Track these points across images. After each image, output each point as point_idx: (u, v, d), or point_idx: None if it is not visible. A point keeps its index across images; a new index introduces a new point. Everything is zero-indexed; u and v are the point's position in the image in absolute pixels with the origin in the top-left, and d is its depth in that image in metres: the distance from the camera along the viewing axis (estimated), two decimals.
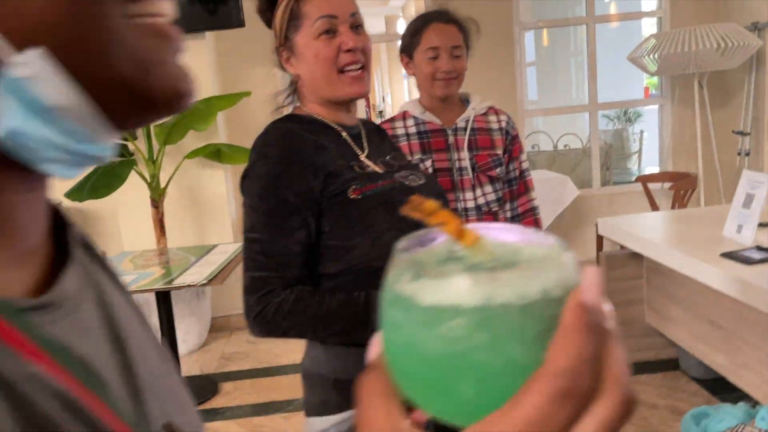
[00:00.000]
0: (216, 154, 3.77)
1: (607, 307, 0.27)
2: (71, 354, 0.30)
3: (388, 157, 1.29)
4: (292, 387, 3.19)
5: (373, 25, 12.64)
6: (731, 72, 4.25)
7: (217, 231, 3.99)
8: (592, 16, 4.57)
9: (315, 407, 1.21)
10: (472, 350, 0.26)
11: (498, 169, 1.77)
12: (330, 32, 1.17)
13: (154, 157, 3.59)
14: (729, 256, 2.12)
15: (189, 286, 2.61)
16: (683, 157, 4.49)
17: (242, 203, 1.20)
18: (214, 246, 3.29)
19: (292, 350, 3.69)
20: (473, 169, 1.75)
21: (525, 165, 1.86)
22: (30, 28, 0.27)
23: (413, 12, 11.82)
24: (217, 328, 4.07)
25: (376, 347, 0.31)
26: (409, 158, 1.72)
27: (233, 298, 4.10)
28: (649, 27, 8.07)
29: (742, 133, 4.19)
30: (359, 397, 0.30)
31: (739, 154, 4.22)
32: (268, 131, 1.20)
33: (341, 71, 1.18)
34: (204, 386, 3.29)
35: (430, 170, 1.73)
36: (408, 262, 0.29)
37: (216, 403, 3.14)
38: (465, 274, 0.26)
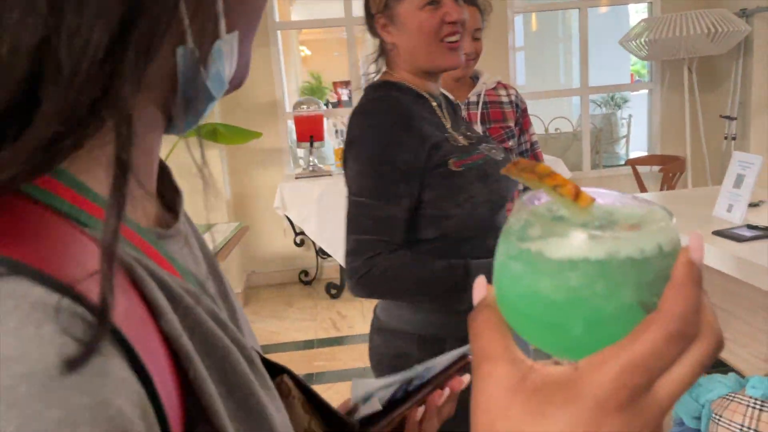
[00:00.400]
0: (212, 133, 3.78)
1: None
2: (191, 272, 0.37)
3: (466, 130, 1.31)
4: (290, 364, 3.24)
5: (356, 9, 12.54)
6: (720, 57, 4.33)
7: (214, 210, 4.01)
8: (584, 0, 4.62)
9: (389, 359, 1.27)
10: (593, 297, 0.30)
11: (511, 141, 1.80)
12: (434, 3, 1.17)
13: None
14: (721, 234, 2.20)
15: None
16: (672, 140, 4.58)
17: (348, 166, 1.21)
18: (212, 225, 3.31)
19: (288, 328, 3.74)
20: None
21: (534, 138, 1.91)
22: (237, 14, 0.33)
23: None
24: None
25: (482, 290, 0.35)
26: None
27: (230, 277, 4.13)
28: (635, 13, 8.13)
29: (729, 118, 4.28)
30: (475, 332, 0.33)
31: (725, 138, 4.32)
32: (374, 97, 1.23)
33: (440, 41, 1.19)
34: None
35: None
36: (525, 221, 0.32)
37: None
38: (587, 232, 0.30)
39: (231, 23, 0.33)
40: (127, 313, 0.27)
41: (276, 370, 0.46)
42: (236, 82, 0.38)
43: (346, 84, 5.88)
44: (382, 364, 1.29)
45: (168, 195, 0.42)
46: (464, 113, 1.80)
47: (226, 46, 0.33)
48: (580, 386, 0.29)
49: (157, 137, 0.37)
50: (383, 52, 1.28)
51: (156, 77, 0.32)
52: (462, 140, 1.24)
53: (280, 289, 4.44)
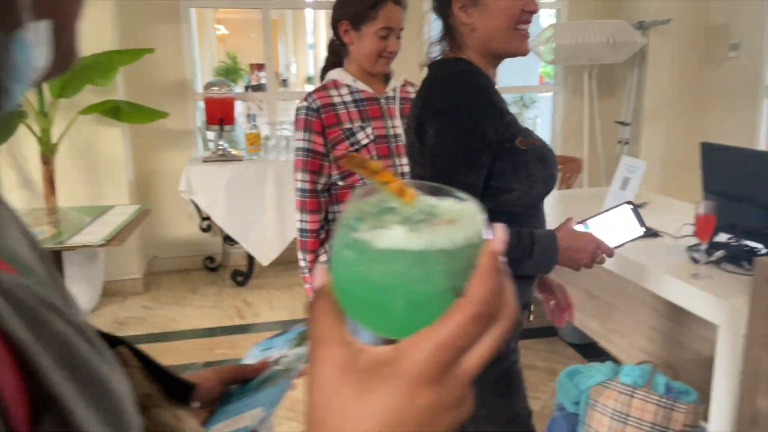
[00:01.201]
0: (114, 111, 3.60)
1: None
2: (17, 255, 0.36)
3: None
4: (190, 351, 3.17)
5: None
6: (618, 66, 4.61)
7: (113, 192, 3.83)
8: None
9: None
10: (412, 283, 0.34)
11: None
12: None
13: (45, 110, 3.38)
14: None
15: (85, 246, 2.51)
16: (571, 142, 4.83)
17: (431, 135, 1.26)
18: (111, 207, 3.17)
19: (190, 316, 3.65)
20: (406, 135, 1.83)
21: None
22: (45, 4, 0.33)
23: None
24: (110, 292, 3.93)
25: (320, 278, 0.37)
26: (350, 125, 1.77)
27: (128, 262, 3.98)
28: (548, 18, 8.46)
29: (623, 123, 4.57)
30: (312, 318, 0.36)
31: (619, 142, 4.61)
32: (457, 71, 1.28)
33: (515, 28, 1.26)
34: None
35: (372, 137, 1.78)
36: (357, 212, 0.36)
37: None
38: (408, 226, 0.35)
39: (41, 12, 0.33)
40: None
41: (113, 341, 0.46)
42: (59, 68, 0.38)
43: (260, 67, 5.74)
44: None
45: None
46: (384, 107, 1.83)
47: (32, 35, 0.33)
48: (399, 364, 0.33)
49: None
50: (449, 32, 1.33)
51: None
52: (516, 124, 1.31)
53: (184, 276, 4.32)
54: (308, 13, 14.22)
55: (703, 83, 4.60)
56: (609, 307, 2.66)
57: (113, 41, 3.69)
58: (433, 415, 0.33)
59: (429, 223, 0.35)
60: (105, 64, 3.36)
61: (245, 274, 4.14)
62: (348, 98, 1.79)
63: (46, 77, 0.37)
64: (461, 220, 0.35)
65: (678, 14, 4.35)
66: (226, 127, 4.00)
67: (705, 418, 1.87)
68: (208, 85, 4.04)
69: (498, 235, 0.34)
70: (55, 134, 3.46)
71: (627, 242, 1.40)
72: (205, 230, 4.26)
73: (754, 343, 1.64)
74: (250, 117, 4.08)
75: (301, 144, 1.79)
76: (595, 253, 1.29)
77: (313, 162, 1.78)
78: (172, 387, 0.48)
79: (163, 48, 4.02)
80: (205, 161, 3.94)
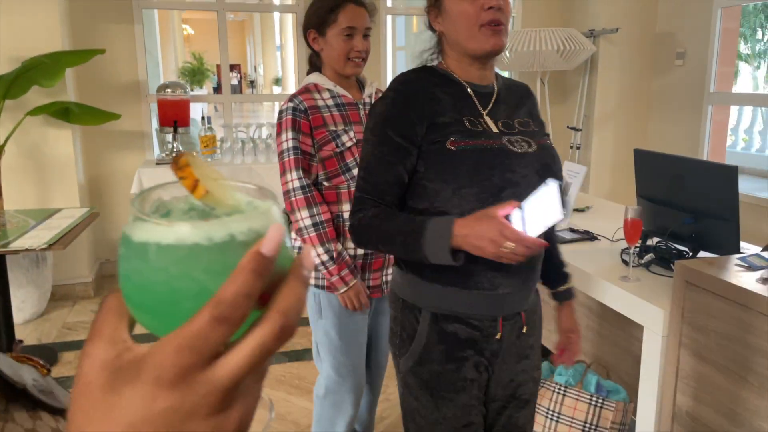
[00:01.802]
0: (64, 112, 3.55)
1: (307, 258, 0.34)
2: None
3: (515, 120, 1.38)
4: None
5: None
6: (569, 73, 4.71)
7: (63, 194, 3.77)
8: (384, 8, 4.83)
9: (390, 320, 1.45)
10: (168, 279, 0.32)
11: None
12: None
13: None
14: None
15: (27, 250, 2.48)
16: None
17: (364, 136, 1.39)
18: (58, 210, 3.12)
19: None
20: None
21: None
22: None
23: None
24: (59, 296, 3.87)
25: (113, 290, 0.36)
26: (335, 128, 1.79)
27: (78, 265, 3.92)
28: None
29: (575, 129, 4.67)
30: (97, 318, 0.35)
31: (571, 147, 4.71)
32: (396, 77, 1.37)
33: (481, 26, 1.27)
34: (42, 355, 3.14)
35: (354, 140, 1.80)
36: (138, 203, 0.35)
37: (55, 372, 3.02)
38: (168, 218, 0.33)
39: None
40: None
41: None
42: None
43: (230, 68, 5.68)
44: (395, 335, 1.43)
45: None
46: (362, 113, 1.86)
47: None
48: (145, 364, 0.32)
49: None
50: (439, 43, 1.39)
51: None
52: (492, 126, 1.32)
53: None
54: (276, 15, 14.13)
55: (650, 90, 4.73)
56: (549, 306, 2.72)
57: (63, 42, 3.64)
58: (177, 420, 0.32)
59: (206, 217, 0.34)
60: (51, 65, 3.31)
61: None
62: (330, 102, 1.83)
63: None
64: (239, 218, 0.33)
65: (627, 23, 4.48)
66: (181, 130, 3.98)
67: (635, 414, 1.93)
68: (161, 87, 4.01)
69: (270, 235, 0.32)
70: (1, 135, 3.40)
71: (545, 228, 1.19)
72: None
73: (674, 343, 1.71)
74: (204, 119, 4.05)
75: (290, 143, 1.78)
76: (498, 240, 1.15)
77: (303, 160, 1.79)
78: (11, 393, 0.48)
79: (116, 49, 3.98)
80: (158, 163, 3.91)
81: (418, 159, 1.30)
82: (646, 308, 1.77)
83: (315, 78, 1.86)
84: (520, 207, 1.17)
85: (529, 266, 1.35)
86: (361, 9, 1.79)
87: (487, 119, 1.34)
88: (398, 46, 8.82)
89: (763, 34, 10.97)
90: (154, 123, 4.32)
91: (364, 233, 1.33)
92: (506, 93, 1.42)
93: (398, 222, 1.29)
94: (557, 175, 1.35)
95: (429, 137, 1.29)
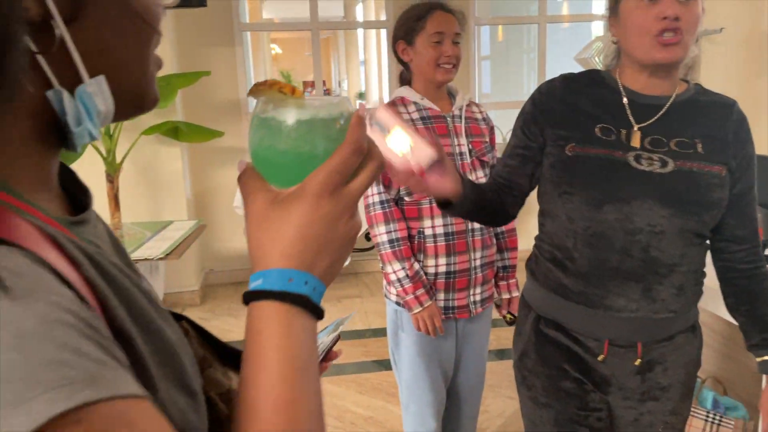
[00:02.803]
0: (173, 131, 3.80)
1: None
2: (98, 245, 0.48)
3: (675, 139, 1.28)
4: None
5: (330, 8, 12.60)
6: None
7: (172, 207, 4.02)
8: (543, 15, 4.78)
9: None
10: (307, 143, 0.50)
11: (489, 155, 1.86)
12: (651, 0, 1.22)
13: (111, 132, 3.60)
14: None
15: (146, 259, 2.67)
16: None
17: None
18: (170, 222, 3.34)
19: (243, 326, 3.77)
20: (470, 154, 1.83)
21: (498, 155, 1.99)
22: (101, 66, 0.44)
23: None
24: (169, 304, 4.11)
25: (243, 164, 0.53)
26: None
27: (185, 275, 4.16)
28: (599, 29, 8.37)
29: None
30: (242, 183, 0.52)
31: None
32: (545, 82, 1.39)
33: (655, 37, 1.21)
34: None
35: None
36: (263, 106, 0.51)
37: None
38: (302, 105, 0.50)
39: (96, 68, 0.44)
40: (58, 261, 0.37)
41: (177, 317, 0.57)
42: (133, 110, 0.49)
43: (313, 84, 5.89)
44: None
45: (77, 193, 0.53)
46: (450, 125, 1.84)
47: (91, 88, 0.44)
48: (305, 189, 0.49)
49: (52, 152, 0.47)
50: (618, 50, 1.37)
51: (42, 111, 0.42)
52: (633, 140, 1.27)
53: (238, 288, 4.47)
54: (360, 32, 14.50)
55: (758, 93, 4.47)
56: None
57: (172, 65, 3.90)
58: (332, 220, 0.49)
59: (314, 106, 0.51)
60: (165, 87, 3.55)
61: None
62: (416, 115, 1.82)
63: (121, 118, 0.49)
64: (335, 104, 0.51)
65: (731, 23, 4.26)
66: None
67: None
68: None
69: (359, 107, 0.51)
70: (119, 154, 3.68)
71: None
72: None
73: None
74: None
75: None
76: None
77: (384, 176, 1.80)
78: (223, 353, 0.59)
79: (218, 70, 4.22)
80: None
81: (543, 159, 1.35)
82: None
83: (402, 91, 1.87)
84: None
85: (645, 300, 1.26)
86: (449, 15, 1.79)
87: (636, 133, 1.27)
88: (483, 56, 8.78)
89: None
90: None
91: None
92: (684, 109, 1.31)
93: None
94: (692, 206, 1.23)
95: (553, 142, 1.32)
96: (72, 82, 0.43)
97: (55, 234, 0.40)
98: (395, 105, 1.84)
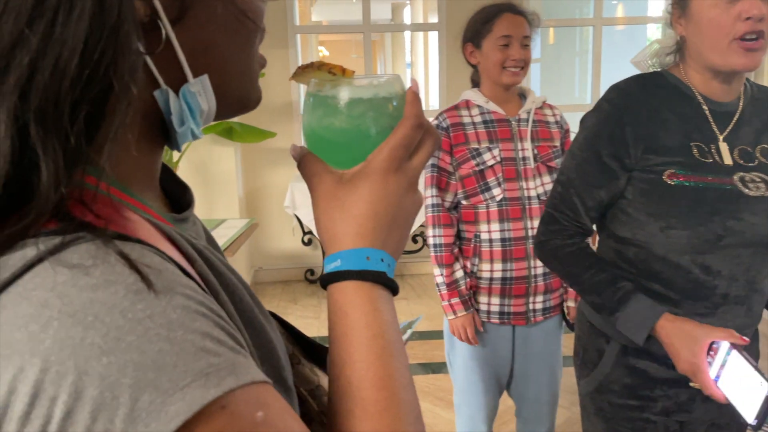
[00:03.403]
0: (228, 131, 3.88)
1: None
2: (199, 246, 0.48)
3: (758, 147, 1.18)
4: None
5: (377, 11, 12.65)
6: None
7: (225, 206, 4.11)
8: (599, 18, 4.68)
9: (574, 338, 1.41)
10: (367, 122, 0.50)
11: (557, 161, 1.81)
12: None
13: None
14: None
15: None
16: None
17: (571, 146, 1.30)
18: (223, 220, 3.41)
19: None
20: (535, 159, 1.79)
21: None
22: (205, 65, 0.45)
23: (420, 0, 11.82)
24: None
25: (297, 149, 0.53)
26: (477, 146, 1.76)
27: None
28: (656, 29, 8.16)
29: None
30: (303, 166, 0.52)
31: None
32: (617, 85, 1.23)
33: (733, 40, 1.08)
34: None
35: (499, 158, 1.76)
36: (317, 86, 0.51)
37: None
38: (361, 83, 0.51)
39: (200, 67, 0.45)
40: (178, 257, 0.39)
41: None
42: (237, 109, 0.50)
43: None
44: (577, 355, 1.39)
45: (176, 190, 0.54)
46: (515, 129, 1.80)
47: (195, 87, 0.44)
48: (371, 166, 0.49)
49: (158, 151, 0.48)
50: (679, 45, 1.23)
51: (150, 111, 0.44)
52: (725, 156, 1.16)
53: (286, 286, 4.53)
54: (406, 34, 14.53)
55: None
56: None
57: None
58: (399, 195, 0.50)
59: (372, 85, 0.51)
60: None
61: None
62: (478, 119, 1.80)
63: (223, 117, 0.50)
64: (390, 82, 0.51)
65: None
66: None
67: None
68: None
69: (413, 83, 0.51)
70: (175, 153, 3.78)
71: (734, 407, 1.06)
72: (306, 244, 4.46)
73: None
74: None
75: (430, 161, 1.79)
76: (687, 371, 1.11)
77: (440, 178, 1.80)
78: (308, 349, 0.60)
79: (271, 72, 4.28)
80: None
81: (628, 185, 1.18)
82: None
83: (468, 94, 1.86)
84: (733, 347, 1.05)
85: (746, 318, 1.22)
86: (518, 18, 1.77)
87: (723, 146, 1.16)
88: (534, 59, 8.68)
89: None
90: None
91: (551, 260, 1.29)
92: (753, 110, 1.21)
93: (594, 275, 1.19)
94: None
95: (644, 163, 1.15)
96: (176, 81, 0.43)
97: (169, 231, 0.41)
98: (457, 108, 1.84)
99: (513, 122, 1.81)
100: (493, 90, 1.82)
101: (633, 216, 1.20)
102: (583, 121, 1.27)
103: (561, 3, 7.43)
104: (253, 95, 0.49)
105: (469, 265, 1.81)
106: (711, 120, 1.18)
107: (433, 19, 4.73)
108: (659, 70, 1.27)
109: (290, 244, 4.55)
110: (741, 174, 1.15)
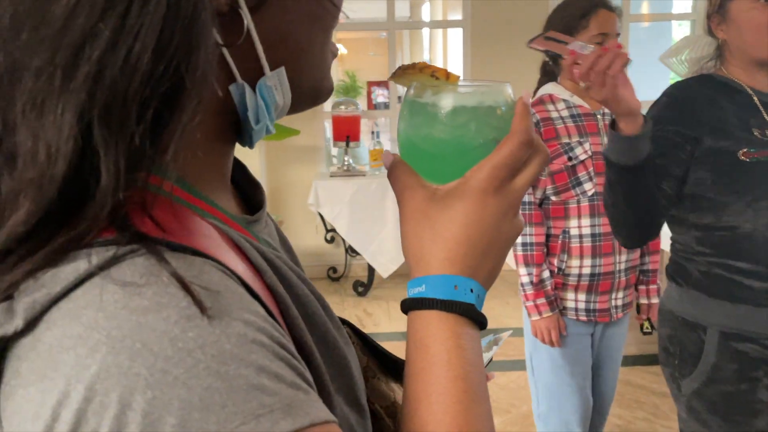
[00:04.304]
0: None
1: None
2: (273, 246, 0.47)
3: None
4: None
5: (397, 8, 12.59)
6: None
7: None
8: (627, 14, 4.62)
9: (662, 339, 1.41)
10: (466, 132, 0.45)
11: None
12: None
13: None
14: None
15: None
16: None
17: None
18: None
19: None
20: None
21: None
22: (281, 56, 0.42)
23: None
24: None
25: (390, 156, 0.49)
26: (568, 140, 1.73)
27: None
28: (678, 27, 8.06)
29: None
30: (394, 178, 0.48)
31: None
32: (673, 84, 1.36)
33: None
34: None
35: (590, 153, 1.73)
36: (416, 92, 0.47)
37: None
38: (463, 90, 0.46)
39: (277, 59, 0.42)
40: (245, 271, 0.36)
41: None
42: (310, 101, 0.47)
43: (379, 84, 5.90)
44: (659, 344, 1.41)
45: (249, 189, 0.52)
46: (601, 123, 1.76)
47: (272, 81, 0.42)
48: (468, 185, 0.45)
49: (229, 149, 0.46)
50: (720, 50, 1.36)
51: (222, 107, 0.41)
52: None
53: None
54: (425, 31, 14.47)
55: None
56: None
57: None
58: (498, 219, 0.45)
59: (478, 92, 0.47)
60: None
61: (366, 285, 4.29)
62: (565, 113, 1.76)
63: (295, 110, 0.47)
64: (498, 90, 0.47)
65: None
66: (351, 144, 4.19)
67: None
68: (336, 105, 4.25)
69: (525, 96, 0.46)
70: None
71: None
72: (329, 241, 4.47)
73: None
74: (374, 134, 4.23)
75: None
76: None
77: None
78: (385, 363, 0.56)
79: None
80: (332, 176, 4.14)
81: (702, 169, 1.27)
82: None
83: (551, 88, 1.81)
84: None
85: None
86: (612, 14, 1.72)
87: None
88: None
89: None
90: (325, 138, 4.59)
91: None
92: None
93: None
94: None
95: (715, 145, 1.26)
96: (253, 75, 0.41)
97: (238, 239, 0.38)
98: (542, 102, 1.79)
99: (598, 116, 1.77)
100: (575, 85, 1.77)
101: (716, 200, 1.26)
102: (645, 115, 1.30)
103: None
104: (325, 86, 0.47)
105: (556, 262, 1.76)
106: (762, 109, 1.30)
107: (454, 15, 4.71)
108: (694, 68, 1.39)
109: (313, 242, 4.55)
110: None
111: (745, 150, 1.24)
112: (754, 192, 1.23)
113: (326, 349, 0.41)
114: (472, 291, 0.44)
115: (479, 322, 0.45)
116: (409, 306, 0.45)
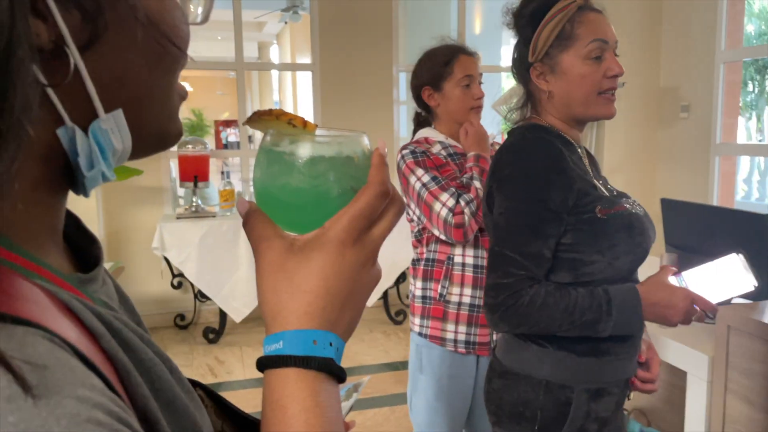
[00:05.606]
0: None
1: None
2: (112, 307, 0.43)
3: (602, 180, 1.32)
4: None
5: (245, 49, 12.56)
6: None
7: None
8: None
9: (510, 405, 1.28)
10: (327, 183, 0.45)
11: None
12: (599, 58, 1.22)
13: None
14: None
15: None
16: None
17: (497, 203, 1.25)
18: None
19: None
20: None
21: None
22: (118, 98, 0.39)
23: (288, 40, 11.95)
24: None
25: (245, 204, 0.48)
26: (457, 173, 1.74)
27: None
28: (507, 80, 8.85)
29: None
30: (250, 228, 0.46)
31: None
32: (527, 138, 1.26)
33: (599, 94, 1.24)
34: None
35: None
36: (273, 140, 0.46)
37: None
38: (322, 140, 0.46)
39: (113, 101, 0.39)
40: (79, 338, 0.32)
41: (192, 384, 0.52)
42: (155, 147, 0.44)
43: (227, 124, 5.76)
44: (503, 410, 1.30)
45: (83, 244, 0.47)
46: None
47: (107, 124, 0.39)
48: (327, 236, 0.44)
49: (59, 199, 0.41)
50: (530, 98, 1.33)
51: (49, 152, 0.37)
52: (604, 191, 1.27)
53: (154, 334, 4.23)
54: (274, 72, 14.53)
55: (657, 142, 4.87)
56: None
57: None
58: (358, 269, 0.45)
59: (335, 142, 0.47)
60: None
61: (217, 331, 4.10)
62: (443, 153, 1.82)
63: (140, 155, 0.43)
64: (355, 139, 0.47)
65: (631, 78, 4.64)
66: (200, 184, 4.04)
67: None
68: (183, 144, 4.09)
69: (381, 145, 0.47)
70: None
71: (734, 297, 1.28)
72: (176, 287, 4.23)
73: (719, 388, 1.73)
74: (224, 174, 4.13)
75: (425, 178, 1.73)
76: (690, 310, 1.20)
77: (448, 184, 1.73)
78: (241, 425, 0.53)
79: None
80: (178, 218, 3.95)
81: (566, 230, 1.22)
82: (689, 354, 1.80)
83: (426, 132, 1.88)
84: (676, 275, 1.23)
85: None
86: (471, 58, 1.82)
87: (596, 182, 1.28)
88: (402, 100, 9.03)
89: (754, 87, 11.33)
90: (169, 179, 4.39)
91: (536, 313, 1.18)
92: (587, 153, 1.36)
93: (577, 297, 1.19)
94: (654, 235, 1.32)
95: (578, 206, 1.21)
96: (85, 117, 0.37)
97: (69, 301, 0.34)
98: (420, 143, 1.83)
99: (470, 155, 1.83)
100: (451, 128, 1.85)
101: (578, 259, 1.22)
102: (509, 177, 1.26)
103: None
104: (172, 130, 0.44)
105: (439, 288, 1.78)
106: (584, 161, 1.31)
107: (303, 59, 4.79)
108: (529, 123, 1.33)
109: (159, 288, 4.29)
110: (622, 200, 1.28)
111: (599, 207, 1.21)
112: (614, 250, 1.22)
113: (174, 416, 0.38)
114: (331, 345, 0.43)
115: (338, 376, 0.44)
116: (265, 364, 0.43)
